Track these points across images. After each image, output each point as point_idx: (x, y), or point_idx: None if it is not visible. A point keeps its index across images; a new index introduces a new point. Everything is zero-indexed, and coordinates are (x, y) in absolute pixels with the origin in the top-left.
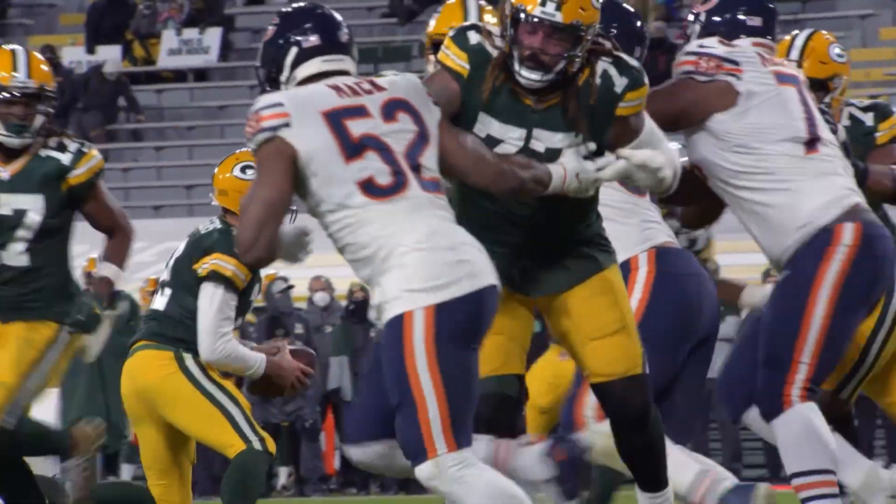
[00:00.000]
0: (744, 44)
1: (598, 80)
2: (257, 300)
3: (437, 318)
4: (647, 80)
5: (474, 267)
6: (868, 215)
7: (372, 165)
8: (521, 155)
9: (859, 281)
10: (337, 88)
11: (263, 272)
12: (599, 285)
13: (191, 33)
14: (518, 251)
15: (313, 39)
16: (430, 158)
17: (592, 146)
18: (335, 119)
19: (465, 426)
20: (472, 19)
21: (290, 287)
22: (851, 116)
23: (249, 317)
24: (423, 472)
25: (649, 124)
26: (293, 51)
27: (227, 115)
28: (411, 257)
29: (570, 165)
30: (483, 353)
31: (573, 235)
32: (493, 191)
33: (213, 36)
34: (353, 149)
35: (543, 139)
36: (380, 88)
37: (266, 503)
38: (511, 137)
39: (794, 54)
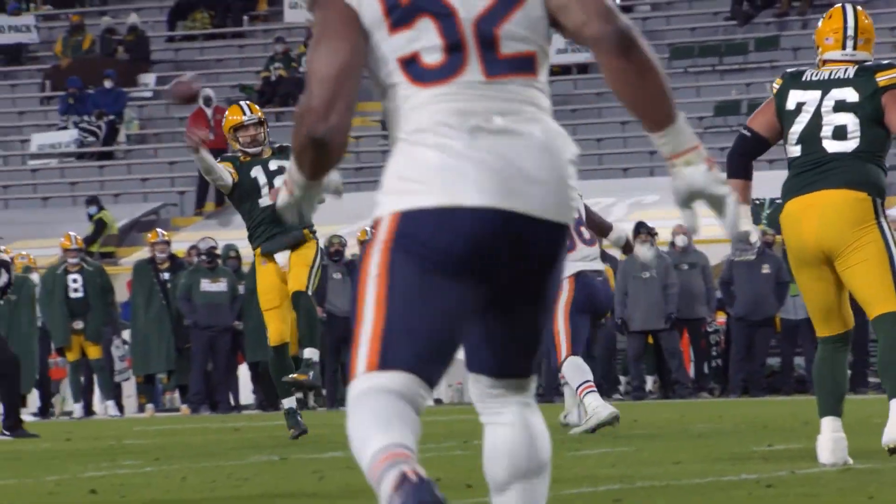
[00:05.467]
0: None
1: None
2: None
3: (399, 226)
4: None
5: (460, 180)
6: None
7: (422, 37)
8: None
9: None
10: None
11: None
12: None
13: None
14: None
15: None
16: (519, 24)
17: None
18: None
19: (397, 349)
20: (850, 25)
21: None
22: None
23: None
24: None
25: None
26: None
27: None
28: (398, 148)
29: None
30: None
31: None
32: None
33: None
34: (400, 14)
35: None
36: None
37: (635, 405)
38: None
39: None
